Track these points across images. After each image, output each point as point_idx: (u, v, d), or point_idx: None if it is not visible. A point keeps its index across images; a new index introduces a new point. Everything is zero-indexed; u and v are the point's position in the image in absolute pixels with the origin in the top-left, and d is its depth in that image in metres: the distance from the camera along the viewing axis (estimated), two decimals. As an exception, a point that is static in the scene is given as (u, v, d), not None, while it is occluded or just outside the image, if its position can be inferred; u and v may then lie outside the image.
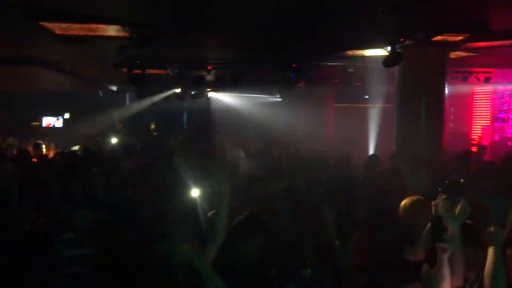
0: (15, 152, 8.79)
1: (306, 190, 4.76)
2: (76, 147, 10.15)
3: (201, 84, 9.33)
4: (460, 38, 6.56)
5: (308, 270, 3.52)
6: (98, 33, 5.94)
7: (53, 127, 17.99)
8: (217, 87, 10.45)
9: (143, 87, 8.38)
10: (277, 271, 3.09)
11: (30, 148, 9.12)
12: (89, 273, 3.33)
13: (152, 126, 17.52)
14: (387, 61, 6.55)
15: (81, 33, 5.91)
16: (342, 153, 7.45)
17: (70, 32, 5.88)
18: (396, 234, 3.30)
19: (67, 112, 17.99)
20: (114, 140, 12.25)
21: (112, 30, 5.88)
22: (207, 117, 15.88)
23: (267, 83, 11.57)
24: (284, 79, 7.85)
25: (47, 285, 3.28)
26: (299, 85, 9.09)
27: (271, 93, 13.31)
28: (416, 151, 6.58)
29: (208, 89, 12.50)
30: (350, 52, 8.00)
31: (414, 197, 3.35)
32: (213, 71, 8.87)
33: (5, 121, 17.06)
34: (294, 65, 7.58)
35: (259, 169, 6.06)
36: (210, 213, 3.22)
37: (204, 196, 4.26)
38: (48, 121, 18.19)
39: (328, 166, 6.72)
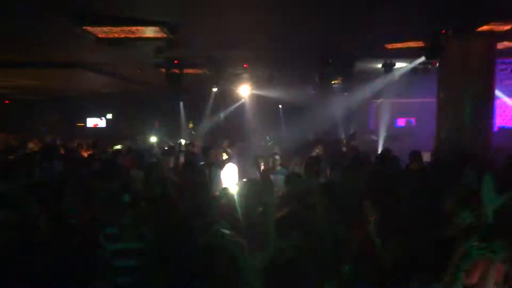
0: (62, 151, 9.21)
1: (347, 185, 4.69)
2: (119, 146, 10.51)
3: (238, 82, 9.43)
4: (508, 27, 6.23)
5: (348, 267, 3.47)
6: (137, 35, 6.12)
7: (97, 127, 18.76)
8: (253, 85, 10.50)
9: (180, 86, 8.55)
10: (315, 267, 3.06)
11: (76, 147, 9.57)
12: (132, 265, 3.45)
13: (190, 125, 17.86)
14: (429, 54, 6.32)
15: (122, 35, 6.11)
16: (384, 149, 7.27)
17: (111, 35, 6.10)
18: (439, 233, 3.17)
19: (110, 112, 18.68)
20: (153, 139, 12.61)
21: (150, 32, 6.04)
22: (243, 116, 16.00)
23: (303, 79, 11.50)
24: (320, 75, 7.76)
25: (93, 277, 3.42)
26: (336, 81, 9.00)
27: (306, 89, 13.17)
28: (460, 146, 6.32)
29: (243, 88, 12.55)
30: (389, 46, 7.80)
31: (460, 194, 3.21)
32: (249, 69, 8.93)
33: (54, 122, 18.00)
34: (330, 61, 7.48)
35: (297, 165, 6.03)
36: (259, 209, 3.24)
37: (241, 192, 4.31)
38: (92, 121, 18.99)
39: (369, 162, 6.59)
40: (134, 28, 5.76)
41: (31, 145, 12.71)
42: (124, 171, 5.84)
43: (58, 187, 4.63)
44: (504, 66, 9.43)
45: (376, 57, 8.68)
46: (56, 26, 6.13)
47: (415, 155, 5.97)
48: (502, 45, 7.33)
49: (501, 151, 6.90)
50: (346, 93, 12.58)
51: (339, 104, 13.41)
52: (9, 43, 7.53)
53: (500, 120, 14.17)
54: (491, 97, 7.00)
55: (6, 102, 16.91)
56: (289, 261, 2.60)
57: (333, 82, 8.15)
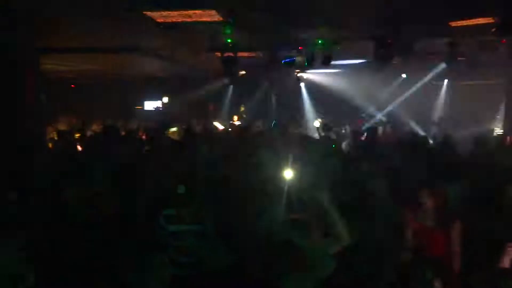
0: (123, 133, 9.66)
1: (405, 170, 4.53)
2: (174, 129, 10.83)
3: (292, 66, 9.30)
4: None
5: (407, 253, 3.38)
6: (194, 19, 6.21)
7: (154, 110, 19.43)
8: (307, 68, 10.31)
9: (234, 70, 8.60)
10: (376, 252, 3.02)
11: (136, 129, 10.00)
12: (190, 246, 3.56)
13: (242, 109, 18.01)
14: (500, 30, 5.85)
15: (179, 19, 6.24)
16: (444, 133, 6.91)
17: (170, 20, 6.24)
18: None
19: (166, 96, 19.24)
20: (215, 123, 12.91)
21: (207, 16, 6.10)
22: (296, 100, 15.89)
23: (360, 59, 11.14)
24: (379, 55, 7.45)
25: (152, 256, 3.59)
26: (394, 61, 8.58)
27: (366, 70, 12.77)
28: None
29: (297, 70, 12.41)
30: (454, 24, 7.31)
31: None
32: (304, 51, 8.77)
33: (114, 105, 18.89)
34: (389, 40, 7.15)
35: (353, 149, 5.90)
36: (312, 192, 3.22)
37: (297, 176, 4.29)
38: (149, 105, 19.70)
39: (428, 147, 6.30)
40: (191, 11, 5.84)
41: (94, 126, 13.47)
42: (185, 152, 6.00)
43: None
44: None
45: (439, 35, 8.18)
46: (117, 12, 6.36)
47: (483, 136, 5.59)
48: None
49: None
50: (404, 75, 12.08)
51: (397, 87, 12.96)
52: (74, 30, 7.92)
53: None
54: None
55: (72, 86, 17.94)
56: (353, 245, 2.57)
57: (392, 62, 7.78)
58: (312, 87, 15.41)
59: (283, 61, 8.86)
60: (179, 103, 17.16)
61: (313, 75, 14.46)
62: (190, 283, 3.38)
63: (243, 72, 13.15)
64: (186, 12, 5.90)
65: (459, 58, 8.92)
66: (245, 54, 9.01)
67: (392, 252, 3.18)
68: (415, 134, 8.31)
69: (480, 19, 6.87)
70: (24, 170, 4.30)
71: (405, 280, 2.43)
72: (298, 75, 11.36)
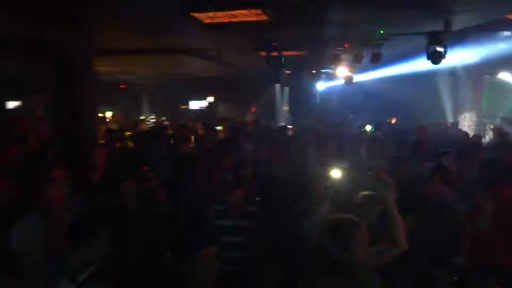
0: (170, 131, 9.92)
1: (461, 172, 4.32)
2: (219, 127, 10.99)
3: (337, 63, 9.15)
4: None
5: (460, 258, 3.23)
6: (240, 19, 6.26)
7: (199, 109, 19.87)
8: (354, 66, 10.09)
9: (280, 69, 8.59)
10: (425, 257, 2.91)
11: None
12: (238, 242, 3.61)
13: (286, 108, 17.97)
14: None
15: (226, 20, 6.30)
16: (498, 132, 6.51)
17: (216, 20, 6.32)
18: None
19: (211, 95, 19.61)
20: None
21: (252, 15, 6.12)
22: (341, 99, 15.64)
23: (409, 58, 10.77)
24: (431, 52, 7.15)
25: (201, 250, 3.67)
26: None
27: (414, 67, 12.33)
28: None
29: (343, 69, 12.18)
30: (511, 16, 6.89)
31: None
32: (350, 49, 8.60)
33: (160, 105, 19.52)
34: (443, 35, 6.83)
35: (400, 150, 5.71)
36: (363, 193, 3.16)
37: (343, 177, 4.22)
38: (194, 104, 20.16)
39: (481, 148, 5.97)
40: (237, 12, 5.88)
41: (143, 126, 13.97)
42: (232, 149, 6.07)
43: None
44: None
45: (494, 28, 7.74)
46: (167, 14, 6.54)
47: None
48: None
49: None
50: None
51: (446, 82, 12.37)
52: (125, 32, 8.25)
53: None
54: None
55: (122, 86, 18.71)
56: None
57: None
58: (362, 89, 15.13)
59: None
60: (223, 103, 17.42)
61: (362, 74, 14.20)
62: (236, 278, 3.43)
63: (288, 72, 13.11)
64: (232, 13, 5.95)
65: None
66: (291, 53, 8.98)
67: (448, 256, 3.04)
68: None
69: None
70: (82, 170, 4.53)
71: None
72: (346, 74, 11.13)
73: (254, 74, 14.11)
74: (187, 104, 20.25)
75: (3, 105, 17.90)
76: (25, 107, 17.52)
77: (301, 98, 15.81)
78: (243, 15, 6.07)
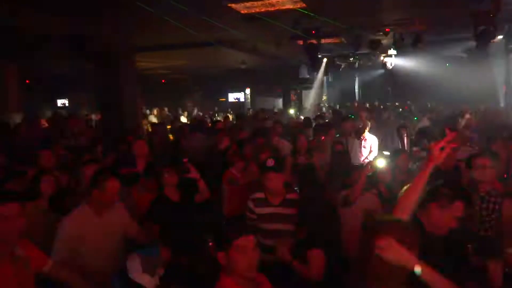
0: (209, 124, 10.05)
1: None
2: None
3: (377, 49, 8.87)
4: None
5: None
6: (277, 7, 6.22)
7: (237, 102, 20.01)
8: (395, 51, 9.75)
9: (317, 57, 8.45)
10: (477, 244, 2.77)
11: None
12: (277, 230, 3.61)
13: (324, 98, 17.74)
14: None
15: (263, 9, 6.29)
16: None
17: (253, 10, 6.32)
18: None
19: (248, 87, 19.68)
20: (291, 112, 12.92)
21: (289, 3, 6.07)
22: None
23: (452, 41, 10.27)
24: (477, 33, 6.76)
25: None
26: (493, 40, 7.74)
27: (456, 52, 11.75)
28: None
29: (384, 55, 11.81)
30: None
31: None
32: (391, 34, 8.30)
33: (199, 98, 19.83)
34: (491, 15, 6.43)
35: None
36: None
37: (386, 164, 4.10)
38: (233, 96, 20.33)
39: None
40: (274, 0, 5.86)
41: (183, 118, 14.27)
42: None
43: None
44: None
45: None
46: (203, 6, 6.58)
47: None
48: None
49: None
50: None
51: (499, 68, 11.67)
52: (162, 28, 8.38)
53: None
54: None
55: (163, 81, 19.15)
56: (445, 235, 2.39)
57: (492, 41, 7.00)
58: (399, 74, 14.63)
59: None
60: (259, 94, 17.45)
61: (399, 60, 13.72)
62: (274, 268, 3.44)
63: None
64: (269, 1, 5.93)
65: None
66: (329, 40, 8.82)
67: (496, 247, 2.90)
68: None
69: None
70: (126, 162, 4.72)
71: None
72: (384, 60, 10.79)
73: (291, 64, 14.02)
74: (226, 97, 20.45)
75: (55, 103, 18.94)
76: (74, 104, 18.42)
77: (341, 87, 15.56)
78: (280, 3, 6.04)
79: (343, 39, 8.89)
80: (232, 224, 2.87)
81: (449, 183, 2.78)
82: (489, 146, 4.76)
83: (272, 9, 6.23)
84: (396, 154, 4.78)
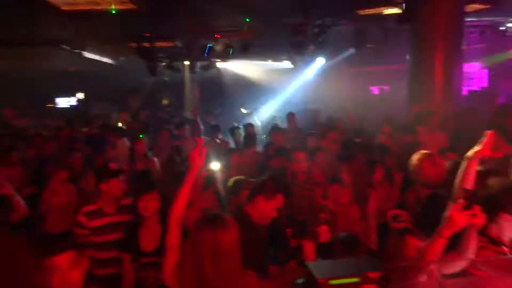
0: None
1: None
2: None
3: (210, 55, 9.23)
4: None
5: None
6: (103, 7, 5.89)
7: (68, 107, 18.22)
8: (226, 57, 10.29)
9: (153, 60, 8.33)
10: (294, 228, 3.14)
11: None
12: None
13: (164, 102, 17.56)
14: (401, 18, 6.35)
15: (87, 7, 5.87)
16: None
17: (76, 8, 5.85)
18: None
19: (81, 92, 18.11)
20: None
21: (117, 3, 5.82)
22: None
23: (277, 49, 11.39)
24: (294, 43, 7.68)
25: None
26: (309, 49, 8.90)
27: (281, 60, 13.07)
28: (430, 108, 6.46)
29: (217, 60, 12.35)
30: (362, 12, 7.78)
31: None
32: (221, 40, 8.74)
33: (22, 105, 17.32)
34: (304, 27, 7.39)
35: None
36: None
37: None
38: (62, 101, 18.41)
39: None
40: (99, -1, 5.54)
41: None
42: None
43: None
44: (472, 30, 9.59)
45: (348, 23, 8.66)
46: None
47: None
48: (470, 7, 7.43)
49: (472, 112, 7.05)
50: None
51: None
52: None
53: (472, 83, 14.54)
54: (460, 61, 7.14)
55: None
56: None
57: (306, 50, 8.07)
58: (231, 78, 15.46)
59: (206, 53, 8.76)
60: (96, 100, 16.25)
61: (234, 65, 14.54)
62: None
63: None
64: (94, 0, 5.57)
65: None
66: (163, 43, 8.77)
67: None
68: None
69: (385, 7, 7.42)
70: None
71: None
72: (218, 65, 11.29)
73: (130, 67, 13.45)
74: (54, 102, 18.39)
75: None
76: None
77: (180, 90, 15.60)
78: (106, 2, 5.73)
79: (178, 43, 8.96)
80: (45, 242, 2.60)
81: (274, 176, 3.10)
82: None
83: (98, 7, 5.88)
84: (228, 153, 5.13)
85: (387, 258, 2.16)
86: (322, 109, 11.14)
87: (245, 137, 6.33)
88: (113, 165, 3.37)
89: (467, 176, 2.08)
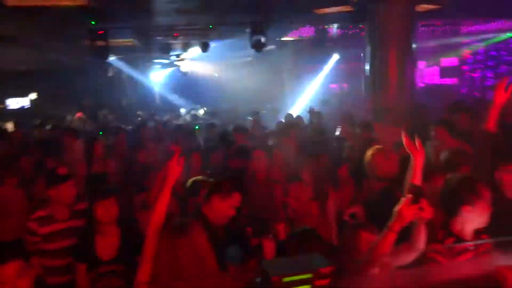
0: None
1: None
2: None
3: (168, 52, 9.08)
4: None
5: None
6: (53, 3, 5.62)
7: (20, 108, 17.35)
8: (186, 54, 10.19)
9: (107, 59, 8.07)
10: (253, 227, 3.14)
11: None
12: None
13: (124, 101, 17.14)
14: (355, 17, 6.51)
15: (36, 3, 5.58)
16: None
17: (23, 3, 5.55)
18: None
19: (33, 92, 17.29)
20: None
21: (68, -1, 5.59)
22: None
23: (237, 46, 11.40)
24: (253, 41, 7.70)
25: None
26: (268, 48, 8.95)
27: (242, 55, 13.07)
28: (387, 105, 6.66)
29: (177, 58, 12.19)
30: (318, 11, 7.91)
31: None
32: (180, 38, 8.63)
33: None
34: (261, 26, 7.43)
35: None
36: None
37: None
38: (12, 103, 17.49)
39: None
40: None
41: None
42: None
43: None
44: (424, 29, 9.99)
45: (306, 22, 8.78)
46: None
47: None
48: (421, 7, 7.73)
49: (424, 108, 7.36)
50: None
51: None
52: None
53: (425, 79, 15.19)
54: (413, 58, 7.41)
55: None
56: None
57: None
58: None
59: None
60: (50, 100, 15.55)
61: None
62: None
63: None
64: (43, -5, 5.31)
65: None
66: (119, 42, 8.53)
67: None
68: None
69: (340, 7, 7.57)
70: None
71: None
72: (178, 63, 11.14)
73: (85, 66, 13.00)
74: (4, 103, 17.44)
75: None
76: None
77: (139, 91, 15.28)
78: (57, -2, 5.48)
79: (135, 42, 8.75)
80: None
81: (230, 175, 3.09)
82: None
83: (47, 3, 5.60)
84: (189, 153, 5.03)
85: (341, 253, 2.21)
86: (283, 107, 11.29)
87: (207, 139, 6.28)
88: (62, 170, 3.22)
89: (414, 172, 2.16)
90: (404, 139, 2.31)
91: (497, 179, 2.67)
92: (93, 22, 6.36)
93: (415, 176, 2.14)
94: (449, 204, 2.29)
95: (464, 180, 2.35)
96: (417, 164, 2.18)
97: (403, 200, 1.86)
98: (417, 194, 1.83)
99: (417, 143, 2.25)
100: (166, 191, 2.33)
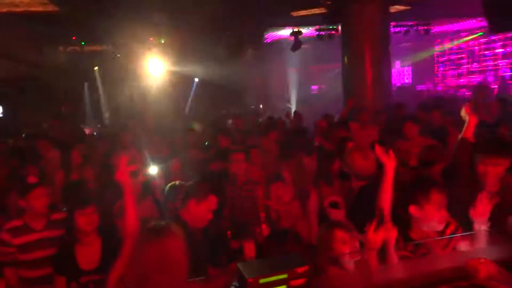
0: None
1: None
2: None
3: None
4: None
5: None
6: (23, 9, 5.49)
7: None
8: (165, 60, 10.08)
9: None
10: (233, 230, 3.14)
11: None
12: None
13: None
14: (330, 19, 6.59)
15: (4, 10, 5.45)
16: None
17: (-6, 10, 5.42)
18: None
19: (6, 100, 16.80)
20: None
21: (37, 5, 5.45)
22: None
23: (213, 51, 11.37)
24: (230, 47, 7.70)
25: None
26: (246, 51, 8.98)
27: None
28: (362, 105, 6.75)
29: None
30: (295, 13, 7.98)
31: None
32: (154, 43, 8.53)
33: None
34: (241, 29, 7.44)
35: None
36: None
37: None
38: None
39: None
40: (17, 0, 5.16)
41: None
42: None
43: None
44: (398, 29, 10.18)
45: (284, 25, 8.83)
46: None
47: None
48: (394, 8, 7.89)
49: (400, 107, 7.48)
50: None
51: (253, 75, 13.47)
52: None
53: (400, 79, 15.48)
54: (388, 59, 7.55)
55: None
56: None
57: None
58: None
59: None
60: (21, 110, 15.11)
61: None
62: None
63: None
64: (11, 1, 5.17)
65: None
66: (93, 47, 8.41)
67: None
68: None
69: (315, 9, 7.65)
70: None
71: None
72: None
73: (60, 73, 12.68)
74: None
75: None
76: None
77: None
78: (25, 4, 5.34)
79: (109, 47, 8.61)
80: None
81: (205, 178, 3.08)
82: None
83: (18, 10, 5.48)
84: (168, 159, 4.98)
85: (317, 251, 2.22)
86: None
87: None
88: (32, 178, 3.13)
89: (385, 180, 2.22)
90: (376, 149, 2.34)
91: (480, 172, 2.63)
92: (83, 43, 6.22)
93: (386, 184, 2.20)
94: (401, 201, 2.28)
95: (419, 180, 2.39)
96: (389, 172, 2.23)
97: (368, 227, 1.93)
98: (380, 218, 1.91)
99: (388, 152, 2.30)
100: (128, 199, 2.36)
